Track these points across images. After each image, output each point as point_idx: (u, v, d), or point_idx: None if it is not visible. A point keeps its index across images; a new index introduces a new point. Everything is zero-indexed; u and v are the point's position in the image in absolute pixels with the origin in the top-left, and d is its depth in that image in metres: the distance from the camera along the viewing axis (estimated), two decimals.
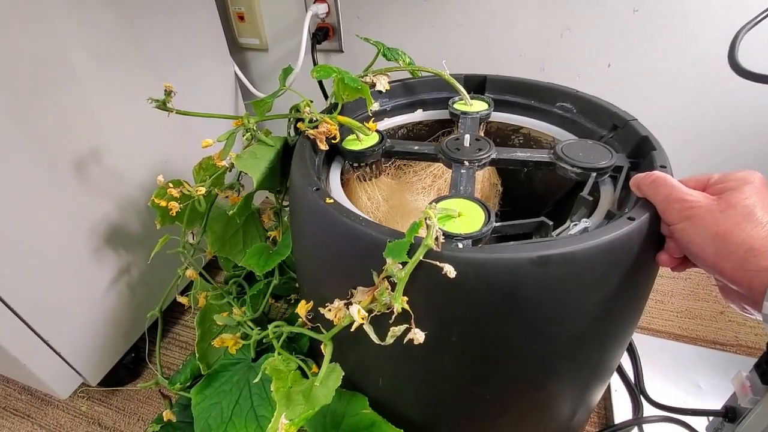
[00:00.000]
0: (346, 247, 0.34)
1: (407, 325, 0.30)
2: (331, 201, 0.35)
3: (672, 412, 0.52)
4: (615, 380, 0.59)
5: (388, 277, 0.30)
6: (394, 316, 0.29)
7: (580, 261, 0.29)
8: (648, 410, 0.55)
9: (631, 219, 0.31)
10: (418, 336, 0.30)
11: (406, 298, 0.30)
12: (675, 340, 0.67)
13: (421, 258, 0.28)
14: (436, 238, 0.28)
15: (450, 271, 0.27)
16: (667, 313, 0.71)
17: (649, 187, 0.32)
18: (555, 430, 0.47)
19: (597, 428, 0.57)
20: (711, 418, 0.53)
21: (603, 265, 0.30)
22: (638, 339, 0.64)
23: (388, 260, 0.30)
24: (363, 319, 0.30)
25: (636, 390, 0.57)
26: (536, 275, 0.29)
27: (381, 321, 0.31)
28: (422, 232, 0.29)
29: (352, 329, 0.31)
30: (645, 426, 0.53)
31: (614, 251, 0.30)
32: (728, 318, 0.70)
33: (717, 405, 0.53)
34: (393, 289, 0.30)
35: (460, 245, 0.31)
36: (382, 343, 0.30)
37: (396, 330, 0.30)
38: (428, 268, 0.29)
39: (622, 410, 0.56)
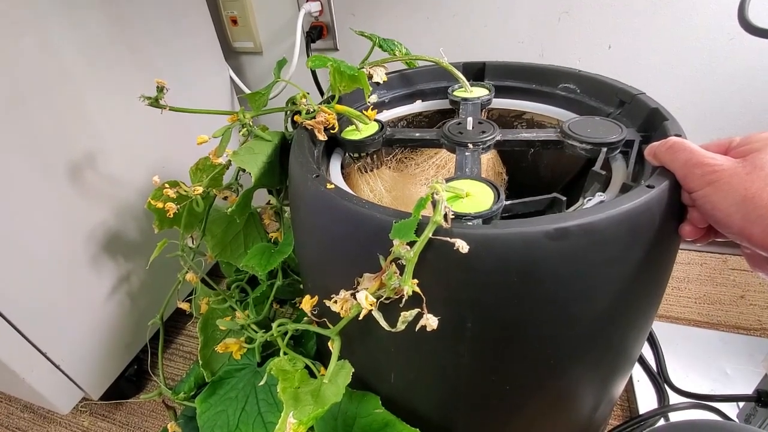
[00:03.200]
0: (350, 232, 0.32)
1: (419, 310, 0.28)
2: (332, 186, 0.33)
3: (700, 400, 0.50)
4: (636, 371, 0.57)
5: (395, 260, 0.28)
6: (404, 300, 0.28)
7: (600, 233, 0.27)
8: (674, 399, 0.52)
9: (650, 187, 0.29)
10: (431, 322, 0.28)
11: (416, 281, 0.28)
12: (695, 326, 0.65)
13: (430, 236, 0.27)
14: (445, 214, 0.27)
15: (462, 246, 0.25)
16: (684, 300, 0.69)
17: (667, 153, 0.31)
18: (577, 423, 0.44)
19: (620, 422, 0.54)
20: (742, 404, 0.51)
21: (624, 237, 0.28)
22: (657, 327, 0.62)
23: (395, 242, 0.28)
24: (371, 305, 0.28)
25: (660, 379, 0.54)
26: (554, 249, 0.27)
27: (390, 309, 0.29)
28: (428, 213, 0.28)
29: (361, 317, 0.29)
30: (672, 416, 0.50)
31: (635, 221, 0.28)
32: (749, 302, 0.68)
33: (746, 391, 0.51)
34: (402, 273, 0.28)
35: (471, 224, 0.29)
36: (393, 330, 0.28)
37: (407, 315, 0.28)
38: (438, 247, 0.27)
39: (646, 401, 0.53)
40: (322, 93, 0.76)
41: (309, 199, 0.35)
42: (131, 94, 0.57)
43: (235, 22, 0.78)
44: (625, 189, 0.35)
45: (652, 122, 0.40)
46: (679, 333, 0.62)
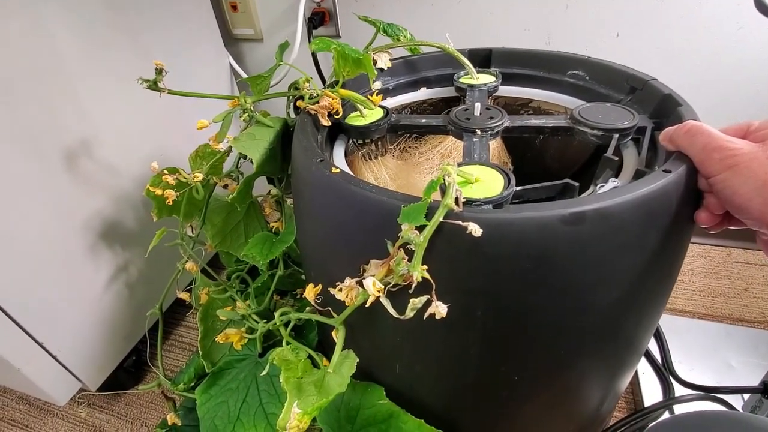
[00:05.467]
0: (357, 218, 0.31)
1: (428, 297, 0.27)
2: (338, 170, 0.32)
3: (706, 392, 0.49)
4: (641, 363, 0.57)
5: (404, 246, 0.28)
6: (413, 287, 0.27)
7: (616, 217, 0.27)
8: (679, 392, 0.52)
9: (667, 171, 0.28)
10: (440, 309, 0.27)
11: (425, 267, 0.27)
12: (699, 319, 0.64)
13: (440, 219, 0.26)
14: (456, 198, 0.26)
15: (475, 229, 0.24)
16: (689, 293, 0.68)
17: (684, 137, 0.30)
18: (584, 416, 0.44)
19: (625, 414, 0.53)
20: (747, 395, 0.50)
21: (640, 223, 0.28)
22: (662, 319, 0.61)
23: (404, 226, 0.27)
24: (379, 291, 0.27)
25: (665, 371, 0.54)
26: (568, 235, 0.26)
27: (398, 298, 0.28)
28: (437, 197, 0.27)
29: (368, 304, 0.28)
30: (678, 408, 0.50)
31: (652, 207, 0.28)
32: (753, 294, 0.67)
33: (751, 383, 0.50)
34: (410, 259, 0.27)
35: (481, 209, 0.28)
36: (402, 317, 0.27)
37: (416, 302, 0.27)
38: (448, 232, 0.27)
39: (651, 393, 0.53)
40: (324, 81, 0.75)
41: (313, 184, 0.34)
42: (127, 81, 0.55)
43: (235, 8, 0.76)
44: (638, 175, 0.34)
45: (664, 109, 0.39)
46: (684, 325, 0.61)
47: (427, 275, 0.27)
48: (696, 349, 0.58)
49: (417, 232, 0.27)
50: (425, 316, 0.27)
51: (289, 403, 0.31)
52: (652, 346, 0.58)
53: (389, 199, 0.28)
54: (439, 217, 0.26)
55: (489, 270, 0.28)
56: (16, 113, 0.44)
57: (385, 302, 0.28)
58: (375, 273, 0.29)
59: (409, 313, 0.27)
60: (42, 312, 0.49)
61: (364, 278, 0.29)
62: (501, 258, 0.27)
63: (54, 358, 0.51)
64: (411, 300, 0.27)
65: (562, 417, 0.42)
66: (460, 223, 0.25)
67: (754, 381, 0.51)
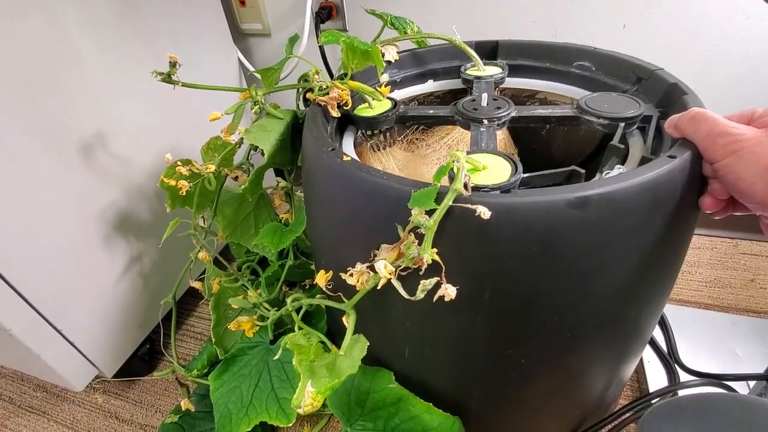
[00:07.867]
0: (367, 204, 0.32)
1: (437, 278, 0.28)
2: (348, 158, 0.33)
3: (711, 379, 0.50)
4: (647, 352, 0.57)
5: (414, 230, 0.28)
6: (423, 270, 0.28)
7: (622, 202, 0.27)
8: (684, 379, 0.52)
9: (672, 157, 0.29)
10: (449, 291, 0.28)
11: (435, 250, 0.28)
12: (706, 309, 0.65)
13: (450, 203, 0.26)
14: (465, 183, 0.27)
15: (484, 212, 0.25)
16: (695, 284, 0.69)
17: (689, 123, 0.30)
18: (589, 401, 0.45)
19: (630, 401, 0.54)
20: (752, 383, 0.51)
21: (645, 208, 0.28)
22: (668, 310, 0.62)
23: (414, 211, 0.28)
24: (390, 274, 0.28)
25: (670, 360, 0.54)
26: (574, 219, 0.27)
27: (408, 281, 0.29)
28: (446, 183, 0.28)
29: (379, 286, 0.29)
30: (683, 393, 0.50)
31: (657, 192, 0.28)
32: (759, 285, 0.67)
33: (756, 371, 0.51)
34: (420, 243, 0.28)
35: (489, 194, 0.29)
36: (412, 298, 0.28)
37: (426, 283, 0.28)
38: (457, 216, 0.27)
39: (656, 381, 0.53)
40: (331, 74, 0.75)
41: (324, 173, 0.35)
42: (139, 75, 0.57)
43: (243, 3, 0.77)
44: (644, 163, 0.34)
45: (670, 98, 0.39)
46: (690, 316, 0.62)
47: (437, 258, 0.28)
48: (702, 339, 0.58)
49: (427, 216, 0.28)
50: (435, 299, 0.28)
51: (302, 384, 0.33)
52: (658, 335, 0.58)
53: (399, 185, 0.29)
54: (448, 200, 0.26)
55: (497, 253, 0.29)
56: (36, 107, 0.46)
57: (396, 284, 0.29)
58: (386, 257, 0.30)
59: (420, 295, 0.28)
60: (60, 300, 0.50)
61: (375, 262, 0.30)
62: (508, 241, 0.28)
63: (72, 344, 0.53)
64: (421, 282, 0.28)
65: (568, 401, 0.43)
66: (469, 206, 0.26)
67: (760, 370, 0.51)
